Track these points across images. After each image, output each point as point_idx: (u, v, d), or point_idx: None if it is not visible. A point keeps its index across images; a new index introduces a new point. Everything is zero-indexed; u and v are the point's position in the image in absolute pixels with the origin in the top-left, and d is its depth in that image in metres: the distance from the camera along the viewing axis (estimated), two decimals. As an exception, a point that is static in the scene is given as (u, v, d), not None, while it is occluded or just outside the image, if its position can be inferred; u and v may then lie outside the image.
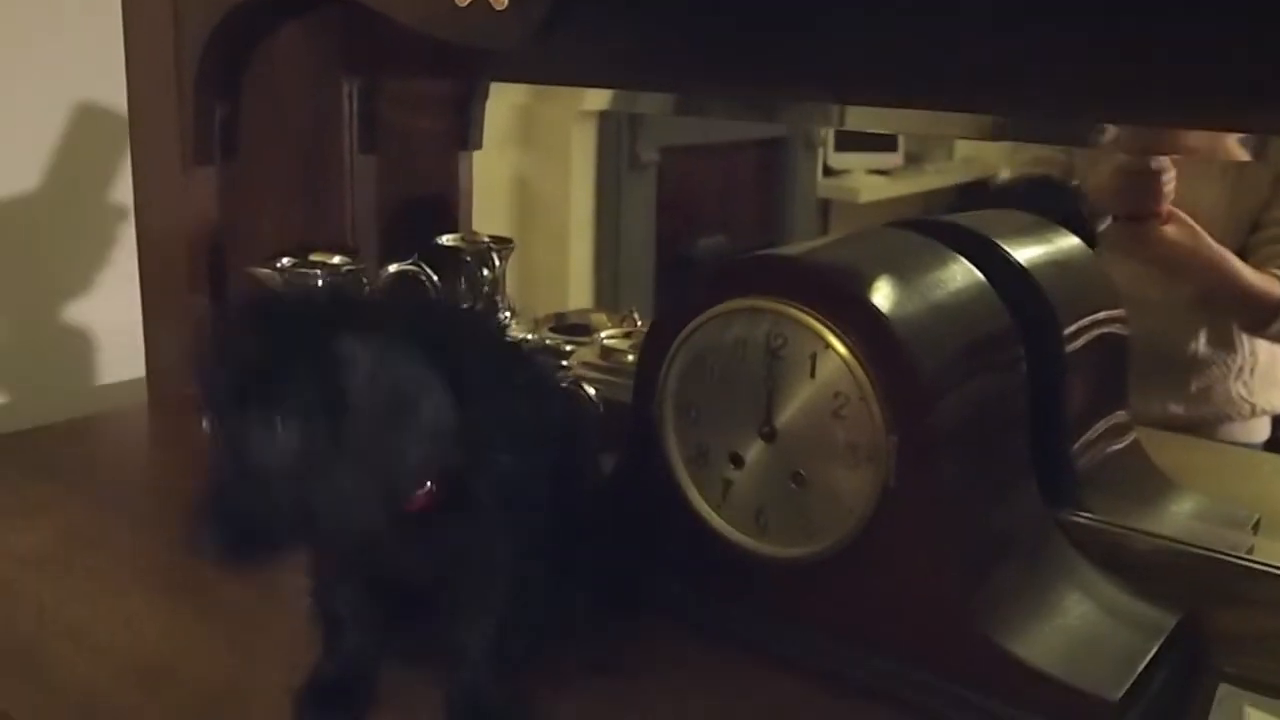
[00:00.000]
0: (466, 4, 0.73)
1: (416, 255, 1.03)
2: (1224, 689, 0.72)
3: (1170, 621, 0.73)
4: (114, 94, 1.10)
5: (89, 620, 0.78)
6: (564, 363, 1.01)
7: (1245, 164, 0.84)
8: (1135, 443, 0.87)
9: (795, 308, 0.71)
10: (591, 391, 0.92)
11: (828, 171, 1.26)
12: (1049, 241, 0.86)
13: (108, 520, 0.93)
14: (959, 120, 0.89)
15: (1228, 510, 0.84)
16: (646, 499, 0.79)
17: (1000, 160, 1.04)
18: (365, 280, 1.00)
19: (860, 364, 0.69)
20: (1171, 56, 0.72)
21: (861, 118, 0.93)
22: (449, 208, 1.23)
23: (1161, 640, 0.71)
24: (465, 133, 1.21)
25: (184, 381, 0.97)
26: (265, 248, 0.99)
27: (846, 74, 0.88)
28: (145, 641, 0.76)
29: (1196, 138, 0.79)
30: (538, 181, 1.33)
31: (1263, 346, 0.97)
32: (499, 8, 0.72)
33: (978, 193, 1.03)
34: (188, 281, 1.12)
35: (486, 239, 1.14)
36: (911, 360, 0.68)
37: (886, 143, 1.21)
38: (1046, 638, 0.69)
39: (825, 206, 1.29)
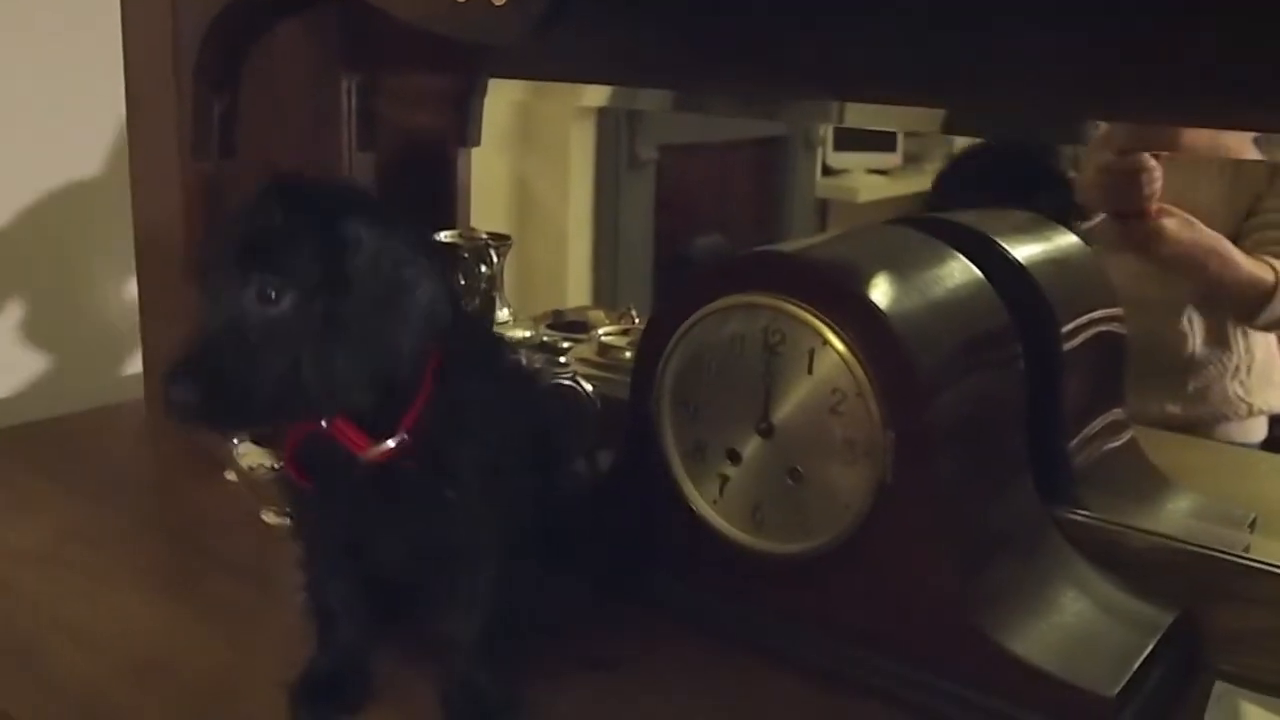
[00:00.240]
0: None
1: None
2: (1220, 686, 0.72)
3: (1166, 619, 0.73)
4: (112, 88, 1.10)
5: (86, 617, 0.78)
6: (561, 359, 1.01)
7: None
8: (1132, 441, 0.87)
9: (793, 304, 0.71)
10: (589, 388, 0.92)
11: (827, 171, 1.26)
12: (1047, 239, 0.86)
13: (104, 517, 0.93)
14: (957, 118, 0.89)
15: (1224, 509, 0.84)
16: (643, 495, 0.79)
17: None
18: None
19: (858, 360, 0.69)
20: (1171, 55, 0.72)
21: (860, 114, 0.93)
22: (447, 204, 1.23)
23: (1158, 638, 0.71)
24: (464, 129, 1.20)
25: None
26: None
27: (845, 70, 0.88)
28: (142, 637, 0.76)
29: (1192, 135, 0.79)
30: (536, 179, 1.33)
31: (1259, 346, 0.97)
32: (498, 3, 0.71)
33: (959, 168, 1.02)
34: (185, 277, 1.12)
35: (484, 235, 1.15)
36: (909, 357, 0.68)
37: (886, 142, 1.21)
38: (1043, 635, 0.69)
39: (824, 206, 1.28)
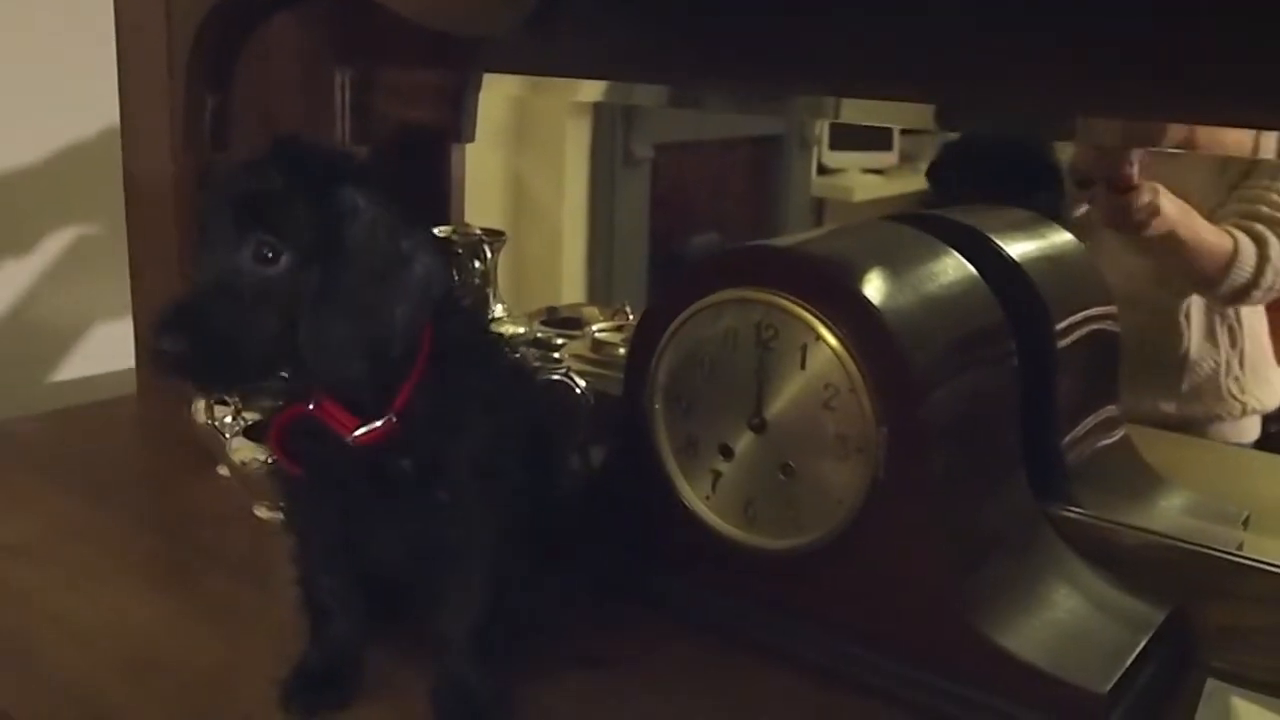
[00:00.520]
0: (459, -7, 0.73)
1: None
2: (1212, 684, 0.72)
3: (1159, 616, 0.73)
4: (105, 83, 1.10)
5: (76, 610, 0.78)
6: (555, 355, 1.01)
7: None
8: (1125, 438, 0.87)
9: (786, 299, 0.70)
10: (582, 384, 0.92)
11: (822, 170, 1.26)
12: (1041, 236, 0.86)
13: (95, 511, 0.92)
14: (952, 114, 0.89)
15: (1218, 506, 0.84)
16: (636, 491, 0.79)
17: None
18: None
19: (851, 356, 0.68)
20: (1168, 53, 0.72)
21: (856, 110, 0.93)
22: (442, 200, 1.23)
23: (1150, 635, 0.71)
24: (458, 125, 1.20)
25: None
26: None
27: (841, 67, 0.88)
28: (132, 631, 0.76)
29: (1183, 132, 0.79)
30: (531, 175, 1.33)
31: (1253, 344, 0.96)
32: (490, -4, 0.71)
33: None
34: (178, 272, 1.12)
35: (479, 231, 1.14)
36: (902, 352, 0.68)
37: (881, 141, 1.21)
38: (1035, 631, 0.69)
39: (819, 205, 1.28)
